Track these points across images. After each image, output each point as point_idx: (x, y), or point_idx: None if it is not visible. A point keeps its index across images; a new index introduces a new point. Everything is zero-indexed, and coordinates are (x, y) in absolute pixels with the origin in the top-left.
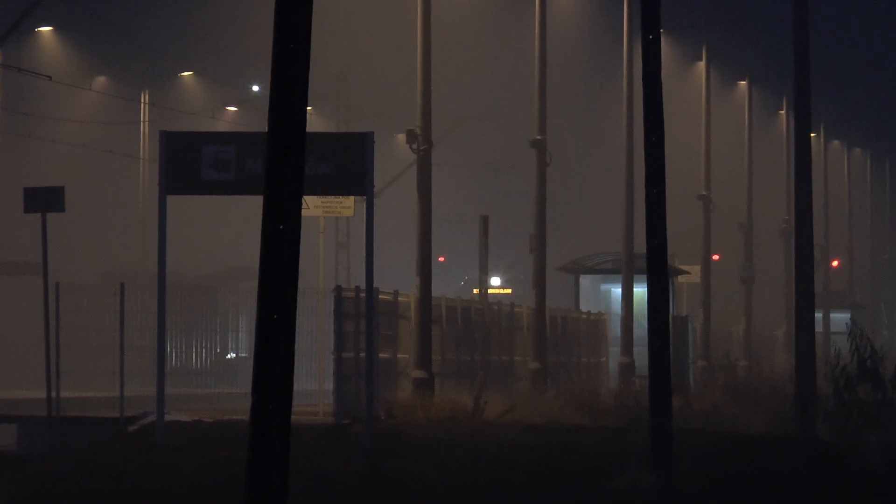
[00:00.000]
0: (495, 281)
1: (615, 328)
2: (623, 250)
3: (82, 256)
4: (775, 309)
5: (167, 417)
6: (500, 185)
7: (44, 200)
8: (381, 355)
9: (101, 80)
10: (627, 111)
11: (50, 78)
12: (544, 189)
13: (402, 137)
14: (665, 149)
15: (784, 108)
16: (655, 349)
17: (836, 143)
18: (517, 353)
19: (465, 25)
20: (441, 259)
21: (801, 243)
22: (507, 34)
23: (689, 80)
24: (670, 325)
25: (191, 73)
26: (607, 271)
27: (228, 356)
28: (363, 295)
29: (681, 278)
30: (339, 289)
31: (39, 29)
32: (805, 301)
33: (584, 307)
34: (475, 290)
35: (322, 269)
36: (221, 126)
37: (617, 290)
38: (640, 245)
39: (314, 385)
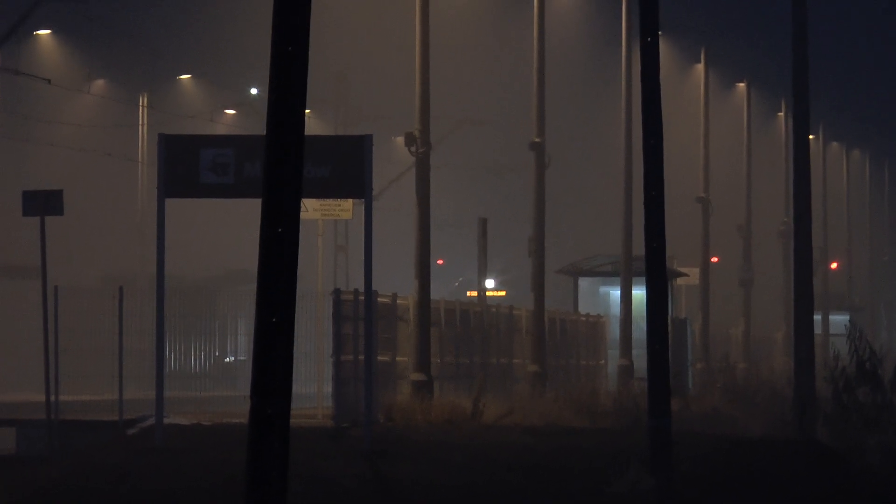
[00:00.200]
0: (489, 283)
1: (614, 330)
2: (622, 253)
3: (81, 260)
4: (774, 311)
5: (166, 421)
6: (499, 187)
7: (42, 204)
8: (379, 358)
9: (99, 84)
10: (626, 113)
11: (48, 81)
12: (543, 191)
13: (400, 140)
14: (664, 151)
15: (783, 110)
16: (654, 351)
17: (834, 144)
18: (516, 356)
19: (464, 27)
20: (440, 262)
21: (799, 245)
22: (506, 36)
23: (688, 82)
24: (669, 328)
25: (189, 76)
26: (606, 274)
27: (227, 359)
28: (362, 298)
29: (680, 280)
30: (337, 292)
31: (38, 32)
32: (804, 303)
33: (582, 309)
34: (469, 293)
35: (321, 271)
36: (220, 129)
37: (616, 293)
38: (639, 247)
39: (313, 388)
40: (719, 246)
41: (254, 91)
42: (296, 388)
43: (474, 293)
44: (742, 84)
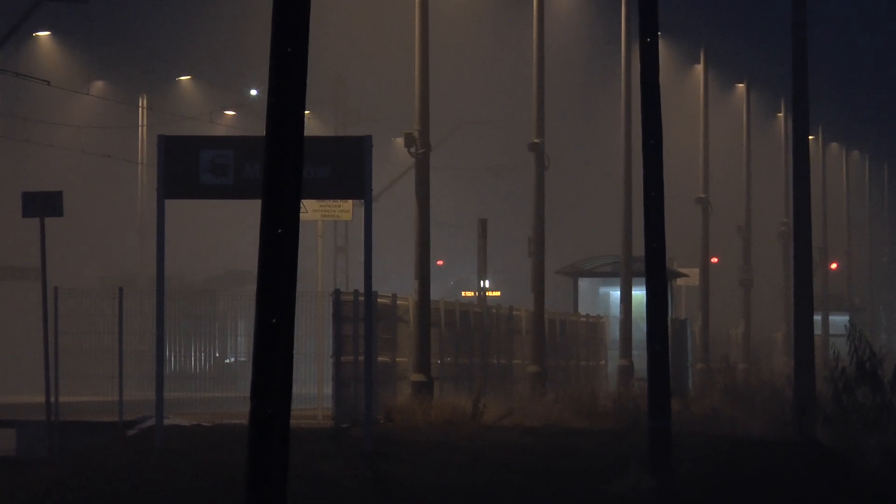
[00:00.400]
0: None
1: (614, 331)
2: (622, 253)
3: (81, 261)
4: (774, 311)
5: (166, 421)
6: (499, 188)
7: (42, 205)
8: (379, 359)
9: (98, 85)
10: (626, 114)
11: (48, 82)
12: (542, 192)
13: (400, 141)
14: (663, 152)
15: (782, 111)
16: (654, 352)
17: (834, 145)
18: (516, 357)
19: (464, 28)
20: (439, 263)
21: (799, 246)
22: (506, 37)
23: (688, 82)
24: (669, 328)
25: (189, 77)
26: (606, 274)
27: (227, 360)
28: (362, 298)
29: (679, 281)
30: (337, 292)
31: (37, 34)
32: (804, 304)
33: (582, 310)
34: (464, 293)
35: (321, 272)
36: (220, 130)
37: (616, 293)
38: (639, 248)
39: (313, 389)
40: (719, 246)
41: (253, 92)
42: (296, 389)
43: (470, 293)
44: (741, 85)
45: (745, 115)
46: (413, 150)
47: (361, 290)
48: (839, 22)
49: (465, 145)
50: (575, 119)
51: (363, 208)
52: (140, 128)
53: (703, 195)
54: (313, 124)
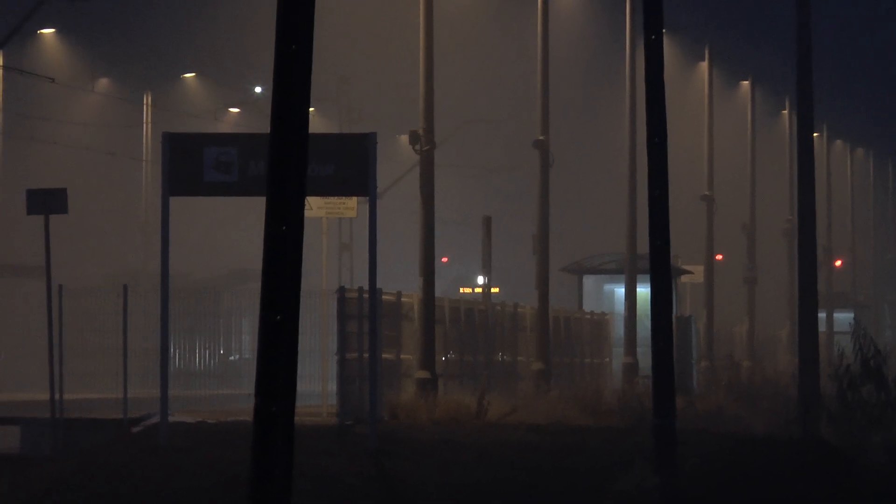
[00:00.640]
0: (481, 280)
1: (618, 329)
2: (626, 251)
3: (85, 259)
4: (778, 309)
5: (171, 419)
6: (504, 185)
7: (46, 202)
8: (384, 356)
9: (103, 82)
10: (630, 112)
11: (52, 80)
12: (547, 190)
13: (404, 138)
14: (668, 149)
15: (787, 109)
16: (659, 349)
17: (838, 142)
18: (520, 354)
19: (469, 26)
20: (444, 260)
21: (804, 243)
22: (510, 35)
23: (692, 80)
24: (673, 326)
25: (193, 74)
26: (610, 272)
27: (232, 358)
28: (366, 296)
29: (684, 279)
30: (342, 290)
31: (42, 31)
32: (808, 301)
33: (587, 307)
34: (462, 289)
35: (325, 270)
36: (224, 128)
37: (620, 291)
38: (644, 245)
39: (317, 386)
40: (723, 244)
41: (258, 89)
42: (300, 386)
43: (467, 289)
44: (746, 82)
45: (750, 112)
46: (418, 147)
47: (366, 287)
48: (844, 18)
49: (470, 143)
50: (579, 117)
51: (367, 205)
52: (144, 125)
53: (707, 192)
54: (318, 121)
